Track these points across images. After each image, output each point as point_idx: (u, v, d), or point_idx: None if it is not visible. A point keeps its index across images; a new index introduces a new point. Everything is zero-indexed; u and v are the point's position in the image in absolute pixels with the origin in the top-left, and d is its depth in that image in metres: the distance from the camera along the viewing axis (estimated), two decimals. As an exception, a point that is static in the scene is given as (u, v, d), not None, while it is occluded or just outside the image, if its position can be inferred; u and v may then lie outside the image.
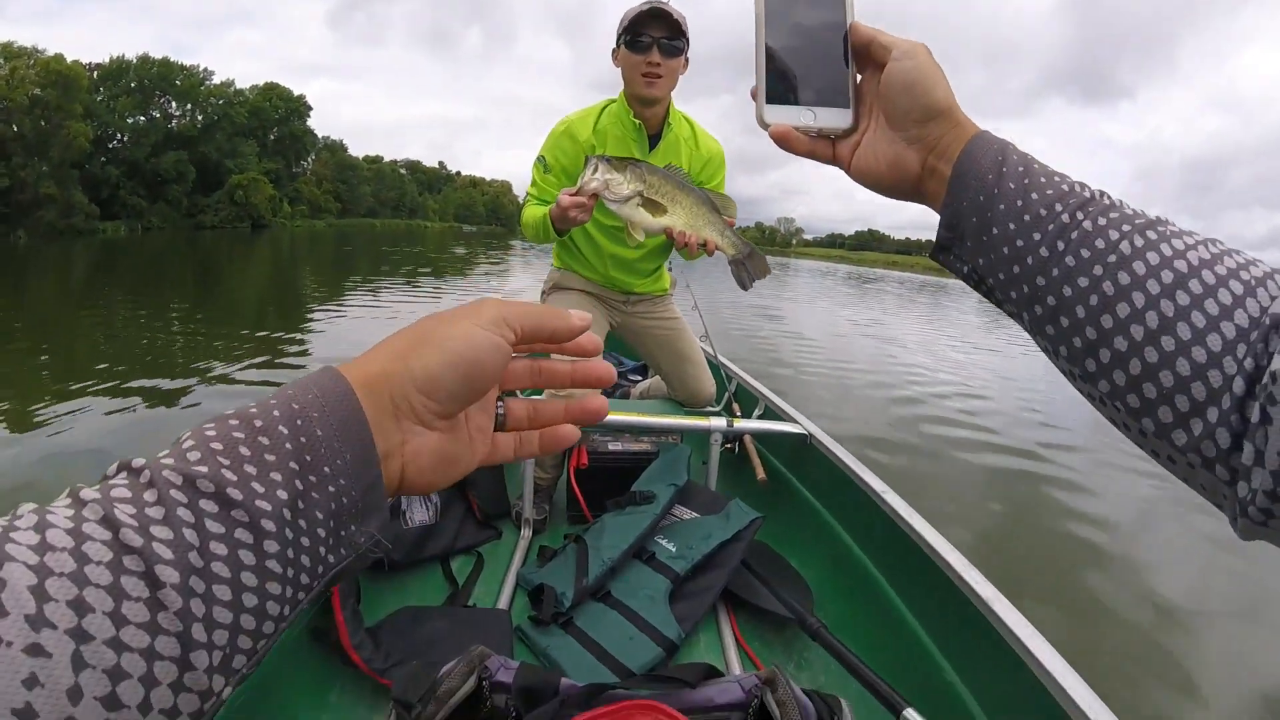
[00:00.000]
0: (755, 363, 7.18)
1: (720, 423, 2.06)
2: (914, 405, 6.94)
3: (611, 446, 2.16)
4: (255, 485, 0.31)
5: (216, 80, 60.20)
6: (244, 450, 0.32)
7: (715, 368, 2.86)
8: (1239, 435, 0.37)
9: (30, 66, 36.64)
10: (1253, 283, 0.40)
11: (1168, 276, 0.41)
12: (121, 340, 7.75)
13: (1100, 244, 0.43)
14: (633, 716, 0.90)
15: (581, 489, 2.08)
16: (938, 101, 0.51)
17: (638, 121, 2.08)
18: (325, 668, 1.38)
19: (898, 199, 0.57)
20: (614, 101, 2.14)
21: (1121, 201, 0.46)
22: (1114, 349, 0.42)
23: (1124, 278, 0.42)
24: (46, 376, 5.92)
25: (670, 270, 2.55)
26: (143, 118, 53.93)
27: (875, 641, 1.52)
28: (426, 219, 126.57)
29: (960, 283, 0.55)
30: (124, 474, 0.31)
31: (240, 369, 6.34)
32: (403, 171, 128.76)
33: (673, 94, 2.10)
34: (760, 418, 2.48)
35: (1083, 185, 0.47)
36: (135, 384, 5.56)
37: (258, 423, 0.33)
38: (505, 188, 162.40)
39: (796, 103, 0.55)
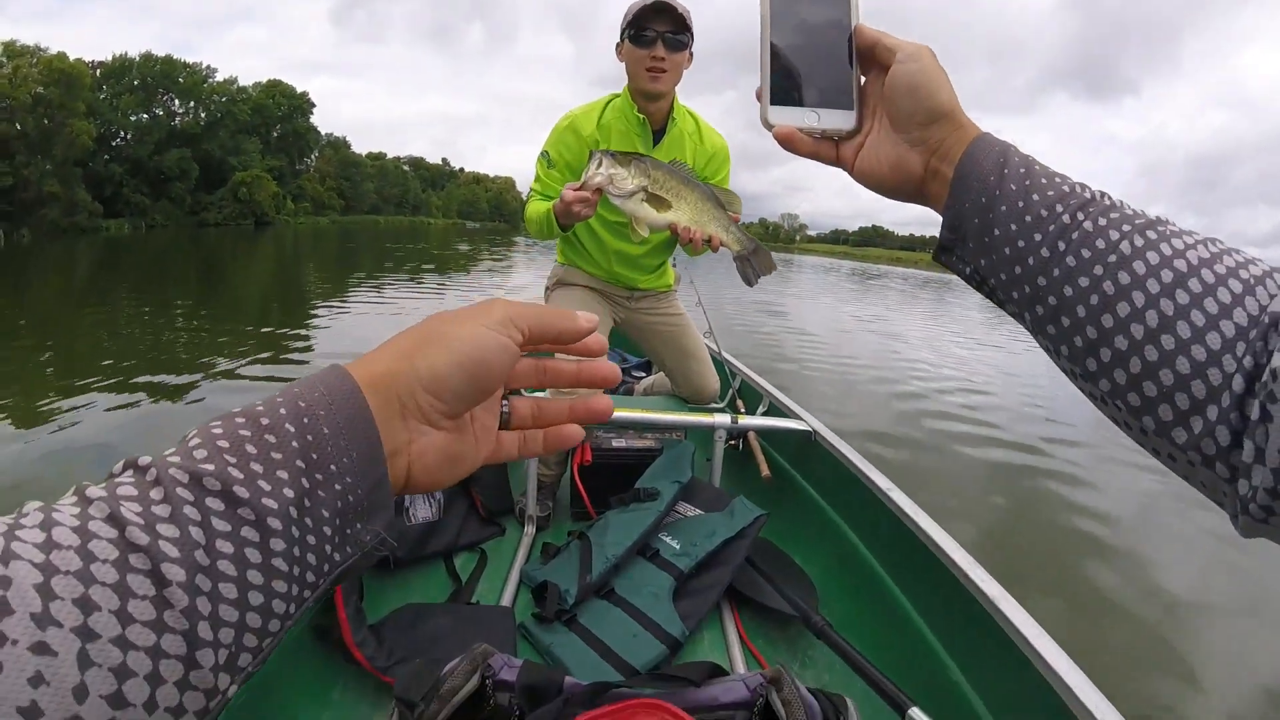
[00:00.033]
0: (758, 358, 7.19)
1: (724, 419, 2.05)
2: (917, 400, 6.95)
3: (615, 443, 2.16)
4: (262, 483, 0.31)
5: (219, 78, 60.44)
6: (250, 448, 0.32)
7: (719, 364, 2.85)
8: (1239, 433, 0.37)
9: (33, 65, 36.69)
10: (1252, 281, 0.40)
11: (1167, 276, 0.41)
12: (125, 337, 7.78)
13: (1100, 244, 0.44)
14: (637, 715, 0.90)
15: (585, 485, 2.07)
16: (941, 104, 0.51)
17: (642, 116, 2.07)
18: (328, 665, 1.37)
19: (900, 200, 0.57)
20: (618, 96, 2.13)
21: (1122, 202, 0.46)
22: (1114, 348, 0.42)
23: (1124, 277, 0.42)
24: (51, 374, 5.95)
25: (674, 266, 2.54)
26: (146, 115, 54.08)
27: (880, 640, 1.51)
28: (430, 216, 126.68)
29: (963, 280, 0.55)
30: (130, 472, 0.31)
31: (245, 365, 6.36)
32: (406, 168, 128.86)
33: (677, 89, 2.09)
34: (764, 414, 2.47)
35: (1083, 186, 0.47)
36: (140, 380, 5.58)
37: (264, 421, 0.33)
38: (508, 184, 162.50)
39: (801, 104, 0.55)
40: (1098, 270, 0.43)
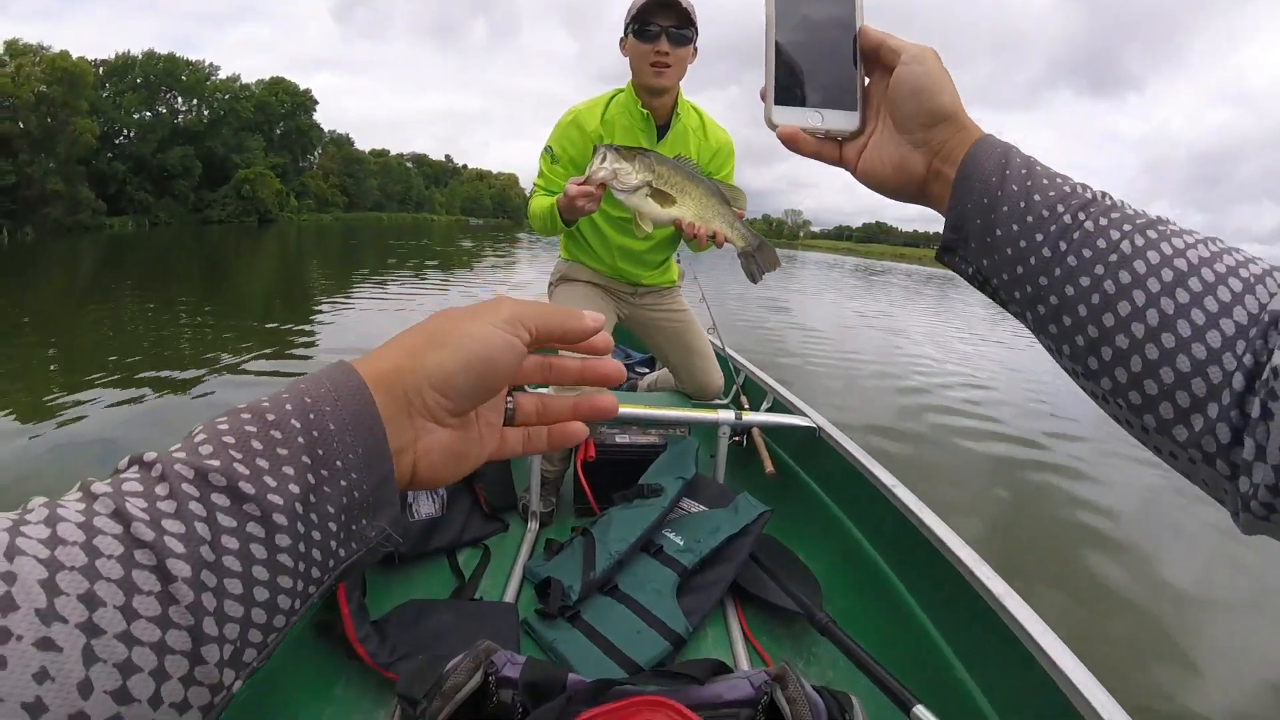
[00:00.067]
0: (762, 353, 7.20)
1: (728, 415, 2.04)
2: (921, 395, 6.97)
3: (619, 439, 2.15)
4: (268, 479, 0.31)
5: (222, 75, 60.47)
6: (256, 444, 0.32)
7: (723, 360, 2.85)
8: (1239, 430, 0.38)
9: (35, 64, 36.74)
10: (1251, 280, 0.40)
11: (1168, 275, 0.41)
12: (130, 334, 7.81)
13: (1101, 243, 0.44)
14: (641, 713, 0.89)
15: (589, 482, 2.07)
16: (944, 106, 0.51)
17: (646, 111, 2.06)
18: (330, 662, 1.37)
19: (903, 201, 0.57)
20: (622, 91, 2.12)
21: (1123, 202, 0.47)
22: (1115, 346, 0.43)
23: (1125, 276, 0.42)
24: (55, 370, 5.98)
25: (679, 262, 2.53)
26: (149, 113, 54.16)
27: (884, 637, 1.51)
28: (433, 212, 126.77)
29: (966, 274, 0.55)
30: (135, 468, 0.31)
31: (249, 361, 6.39)
32: (409, 165, 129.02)
33: (681, 84, 2.08)
34: (769, 410, 2.46)
35: (1085, 186, 0.48)
36: (144, 377, 5.60)
37: (270, 416, 0.33)
38: (512, 180, 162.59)
39: (804, 104, 0.56)
40: (1099, 269, 0.44)
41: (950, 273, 0.57)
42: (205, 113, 58.70)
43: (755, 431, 2.25)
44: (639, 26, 1.94)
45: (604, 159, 1.50)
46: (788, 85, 0.55)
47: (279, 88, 67.85)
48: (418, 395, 0.38)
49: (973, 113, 0.52)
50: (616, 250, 2.25)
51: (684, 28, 1.94)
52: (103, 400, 4.88)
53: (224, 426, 0.32)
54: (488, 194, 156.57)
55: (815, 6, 0.56)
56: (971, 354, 10.50)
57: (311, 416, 0.34)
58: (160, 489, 0.29)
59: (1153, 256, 0.42)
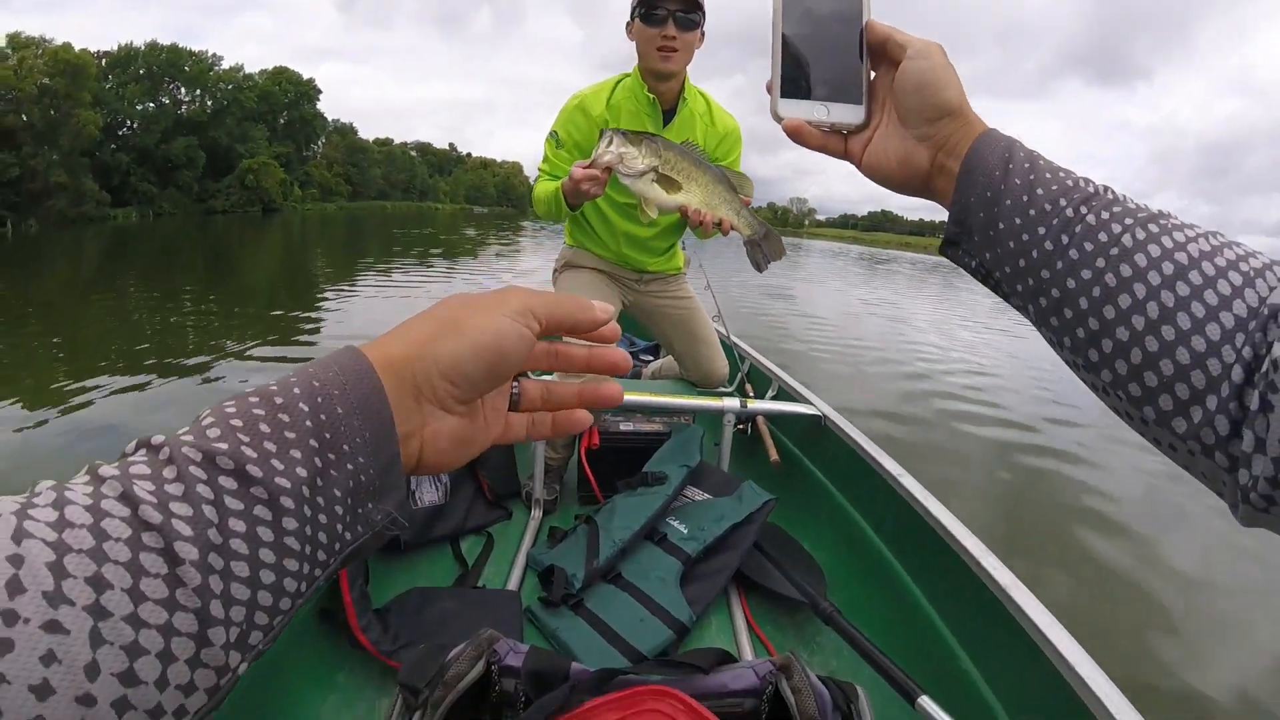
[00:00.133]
0: (766, 341, 7.21)
1: (733, 403, 2.03)
2: (925, 382, 7.00)
3: (623, 427, 2.15)
4: (275, 462, 0.31)
5: (225, 65, 60.25)
6: (264, 427, 0.32)
7: (728, 348, 2.83)
8: (1238, 423, 0.38)
9: (38, 56, 36.72)
10: (1251, 274, 0.40)
11: (1168, 268, 0.42)
12: (135, 323, 7.85)
13: (1103, 237, 0.44)
14: (645, 702, 0.88)
15: (592, 469, 2.07)
16: (949, 101, 0.52)
17: (652, 96, 2.04)
18: (333, 650, 1.37)
19: (907, 195, 0.57)
20: (628, 76, 2.10)
21: (1125, 196, 0.47)
22: (1116, 338, 0.43)
23: (1126, 269, 0.43)
24: (61, 359, 6.00)
25: (684, 249, 2.52)
26: (152, 104, 54.04)
27: (889, 627, 1.50)
28: (437, 201, 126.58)
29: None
30: (143, 451, 0.31)
31: (254, 348, 6.42)
32: (413, 154, 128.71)
33: (688, 69, 2.05)
34: (774, 399, 2.45)
35: (1087, 181, 0.48)
36: (149, 364, 5.65)
37: (278, 400, 0.33)
38: (516, 169, 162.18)
39: (810, 97, 0.56)
40: (1100, 263, 0.44)
41: (955, 261, 0.56)
42: (209, 103, 58.57)
43: (760, 419, 2.24)
44: (646, 10, 1.92)
45: (610, 142, 1.48)
46: (794, 78, 0.56)
47: (282, 77, 67.66)
48: (427, 382, 0.38)
49: (980, 102, 0.51)
50: (622, 236, 2.23)
51: (691, 12, 1.92)
52: (109, 387, 4.90)
53: (232, 410, 0.32)
54: (492, 182, 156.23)
55: (822, 0, 0.56)
56: (976, 342, 10.49)
57: (319, 400, 0.34)
58: (168, 472, 0.29)
59: (1154, 250, 0.43)
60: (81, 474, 0.29)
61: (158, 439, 0.31)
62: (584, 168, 1.60)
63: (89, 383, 4.95)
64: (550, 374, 1.94)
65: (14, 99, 35.29)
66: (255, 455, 0.31)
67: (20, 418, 4.26)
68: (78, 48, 39.19)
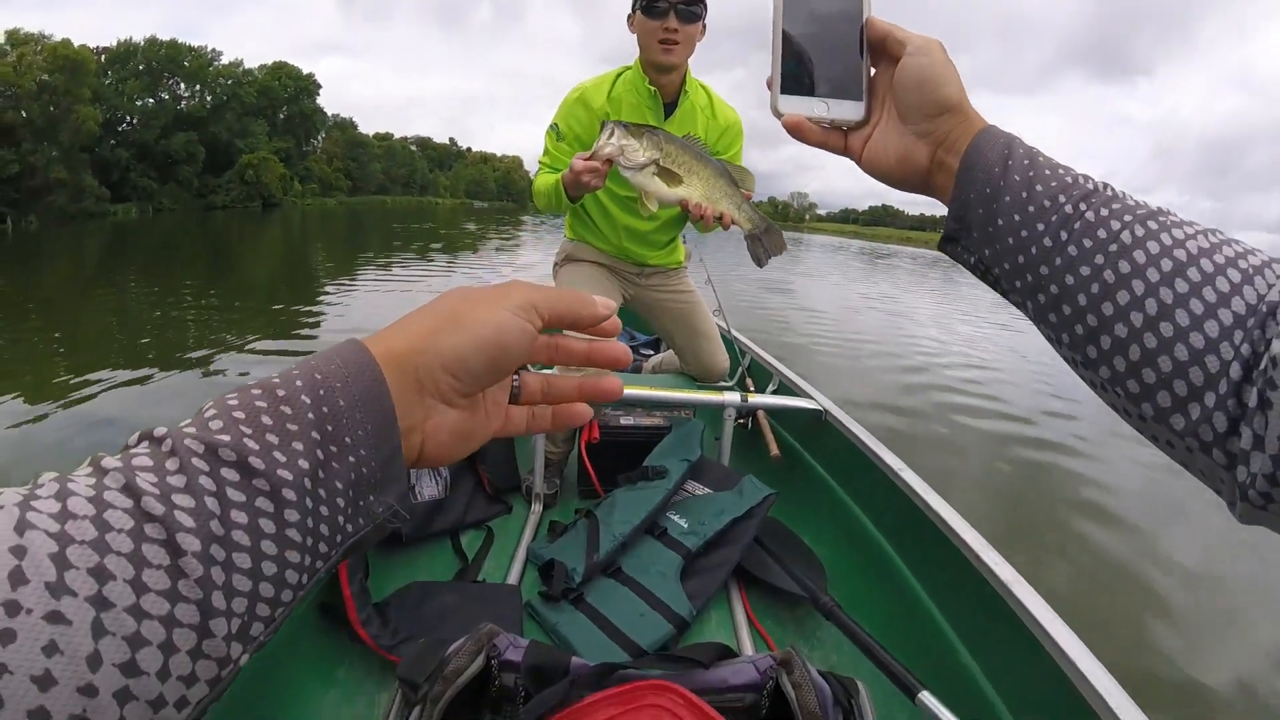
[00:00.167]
0: (767, 335, 7.21)
1: (734, 397, 2.03)
2: (924, 375, 7.02)
3: (623, 421, 2.14)
4: (277, 454, 0.31)
5: (225, 60, 60.21)
6: (266, 419, 0.32)
7: (729, 342, 2.83)
8: (1236, 420, 0.38)
9: (37, 52, 36.67)
10: (1250, 271, 0.41)
11: (1167, 265, 0.42)
12: (135, 318, 7.87)
13: (1102, 233, 0.44)
14: (645, 697, 0.88)
15: (593, 463, 2.06)
16: (949, 97, 0.52)
17: (653, 89, 2.03)
18: (333, 644, 1.37)
19: (906, 191, 0.58)
20: (629, 69, 2.09)
21: (1124, 193, 0.47)
22: (1114, 335, 0.43)
23: (1124, 266, 0.43)
24: (62, 353, 6.02)
25: (685, 243, 2.51)
26: (151, 100, 54.02)
27: (889, 621, 1.50)
28: (437, 196, 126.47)
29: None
30: (146, 443, 0.31)
31: (255, 341, 6.43)
32: (413, 148, 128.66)
33: (689, 62, 2.05)
34: (774, 393, 2.44)
35: (1086, 178, 0.48)
36: (151, 358, 5.66)
37: (280, 392, 0.33)
38: (516, 163, 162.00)
39: (811, 94, 0.56)
40: (1099, 259, 0.44)
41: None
42: (208, 98, 58.53)
43: (760, 414, 2.24)
44: (647, 2, 1.91)
45: (612, 135, 1.47)
46: (794, 74, 0.56)
47: (282, 72, 67.58)
48: (429, 376, 0.38)
49: (980, 97, 0.51)
50: (623, 230, 2.22)
51: (693, 4, 1.91)
52: (109, 381, 4.92)
53: (234, 403, 0.33)
54: (492, 177, 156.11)
55: None
56: (976, 336, 10.50)
57: (322, 393, 0.34)
58: (170, 464, 0.29)
59: (1152, 247, 0.43)
60: (84, 466, 0.29)
61: (160, 431, 0.31)
62: (585, 159, 1.59)
63: (90, 377, 4.96)
64: (550, 367, 1.93)
65: (13, 95, 35.25)
66: (258, 447, 0.31)
67: (21, 412, 4.26)
68: (77, 44, 39.19)
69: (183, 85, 57.04)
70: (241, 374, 5.38)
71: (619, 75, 2.10)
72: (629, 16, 2.00)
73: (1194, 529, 3.80)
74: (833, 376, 6.39)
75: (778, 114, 0.56)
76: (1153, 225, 0.44)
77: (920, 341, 9.27)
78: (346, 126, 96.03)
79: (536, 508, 2.01)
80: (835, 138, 0.58)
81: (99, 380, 4.89)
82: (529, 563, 1.74)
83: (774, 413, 2.26)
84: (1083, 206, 0.46)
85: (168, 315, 7.98)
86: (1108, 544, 3.50)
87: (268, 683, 1.21)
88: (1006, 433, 5.25)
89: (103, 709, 0.25)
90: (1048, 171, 0.48)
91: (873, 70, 0.56)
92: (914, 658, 1.23)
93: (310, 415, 0.33)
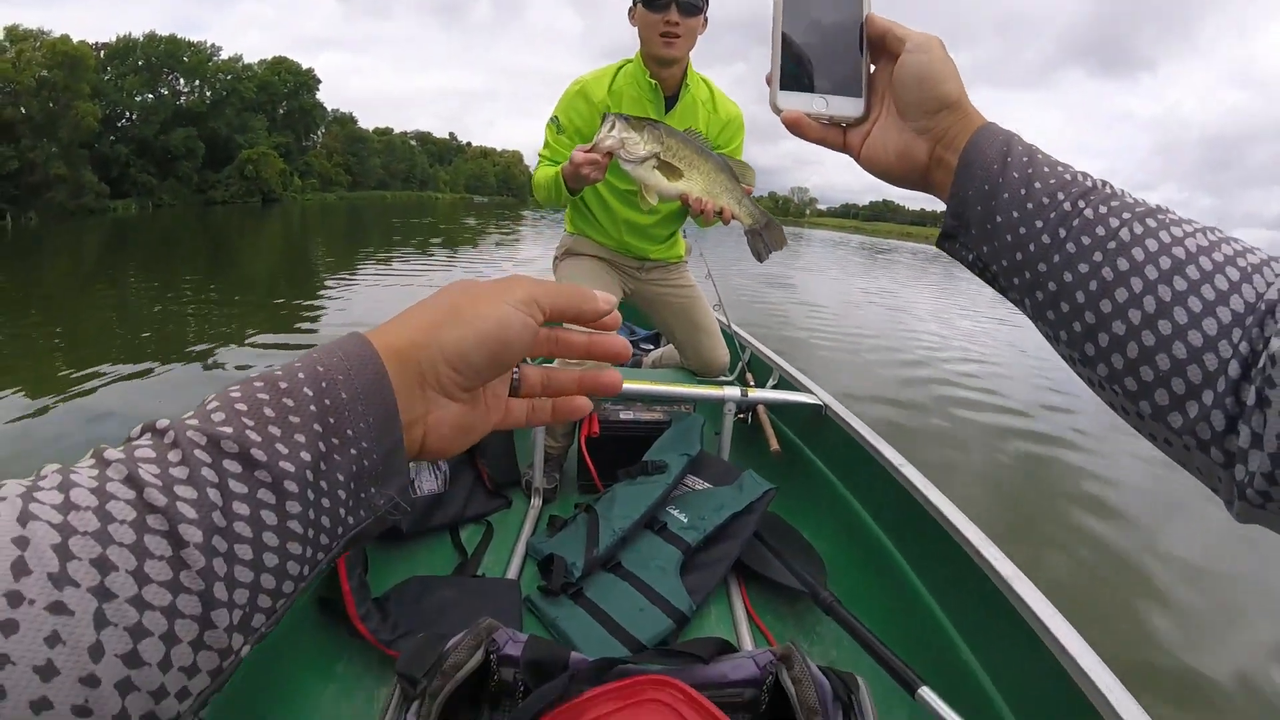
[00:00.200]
0: (766, 328, 7.23)
1: (734, 392, 2.02)
2: (924, 369, 7.05)
3: (623, 415, 2.14)
4: (279, 446, 0.31)
5: (224, 55, 60.00)
6: (268, 411, 0.32)
7: (729, 337, 2.82)
8: (1234, 418, 0.38)
9: (36, 48, 36.51)
10: (1249, 269, 0.41)
11: (1165, 262, 0.42)
12: (136, 313, 7.88)
13: (1100, 231, 0.44)
14: (645, 692, 0.88)
15: (592, 458, 2.06)
16: (948, 94, 0.52)
17: (654, 82, 2.02)
18: (332, 639, 1.37)
19: (905, 188, 0.58)
20: (630, 62, 2.08)
21: (1123, 191, 0.47)
22: (1112, 333, 0.43)
23: (1123, 263, 0.43)
24: (62, 348, 6.03)
25: (686, 237, 2.50)
26: (151, 95, 53.82)
27: (889, 617, 1.49)
28: (437, 190, 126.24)
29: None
30: (148, 435, 0.31)
31: (256, 336, 6.46)
32: (413, 143, 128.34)
33: (690, 55, 2.04)
34: (774, 388, 2.44)
35: (1085, 175, 0.48)
36: (151, 352, 5.68)
37: (282, 385, 0.33)
38: (516, 158, 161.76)
39: (810, 90, 0.56)
40: (1097, 256, 0.44)
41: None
42: (207, 94, 58.30)
43: (760, 409, 2.23)
44: None
45: (613, 127, 1.47)
46: (793, 70, 0.56)
47: (281, 67, 67.39)
48: (431, 369, 0.38)
49: (981, 92, 0.50)
50: (623, 224, 2.22)
51: None
52: (110, 375, 4.94)
53: (237, 395, 0.33)
54: (492, 171, 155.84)
55: None
56: (976, 331, 10.53)
57: (324, 385, 0.34)
58: (173, 455, 0.29)
59: (1150, 244, 0.43)
60: (87, 458, 0.29)
61: (163, 423, 0.31)
62: (585, 152, 1.59)
63: (90, 371, 4.98)
64: (550, 360, 1.93)
65: (12, 92, 35.10)
66: (260, 439, 0.31)
67: (22, 406, 4.28)
68: (76, 39, 39.07)
69: (182, 81, 56.83)
70: (240, 367, 5.41)
71: (620, 68, 2.09)
72: (630, 10, 2.00)
73: (1193, 522, 3.81)
74: (833, 370, 6.42)
75: (777, 110, 0.56)
76: (1151, 223, 0.44)
77: (920, 336, 9.30)
78: (346, 121, 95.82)
79: (536, 502, 2.01)
80: (834, 134, 0.58)
81: (99, 374, 4.91)
82: (528, 557, 1.74)
83: (774, 408, 2.25)
84: (1081, 204, 0.46)
85: (168, 310, 8.00)
86: (1106, 536, 3.52)
87: (267, 678, 1.21)
88: (1006, 426, 5.27)
89: (105, 699, 0.25)
90: (1046, 169, 0.48)
91: (872, 67, 0.57)
92: (914, 653, 1.23)
93: (313, 408, 0.33)
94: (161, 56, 54.46)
